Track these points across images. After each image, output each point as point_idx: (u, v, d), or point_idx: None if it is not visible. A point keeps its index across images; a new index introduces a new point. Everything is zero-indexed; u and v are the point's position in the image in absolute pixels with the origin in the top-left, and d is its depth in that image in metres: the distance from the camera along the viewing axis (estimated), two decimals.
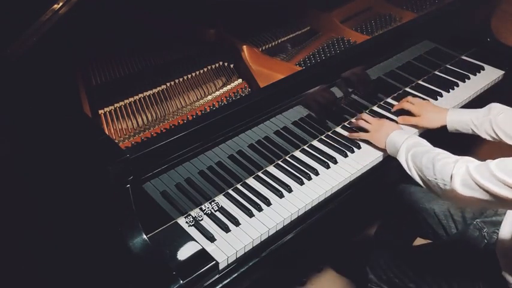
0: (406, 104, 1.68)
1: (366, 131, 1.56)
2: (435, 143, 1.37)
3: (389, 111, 1.74)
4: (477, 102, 1.89)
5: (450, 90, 1.89)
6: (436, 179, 1.21)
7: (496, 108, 1.48)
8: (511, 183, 1.03)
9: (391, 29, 1.85)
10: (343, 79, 1.58)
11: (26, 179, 1.47)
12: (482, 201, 1.11)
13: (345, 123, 1.68)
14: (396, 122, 1.66)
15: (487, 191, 1.08)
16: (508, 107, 1.48)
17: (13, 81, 1.31)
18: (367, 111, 1.74)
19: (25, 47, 1.23)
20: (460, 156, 1.21)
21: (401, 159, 1.37)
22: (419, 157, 1.30)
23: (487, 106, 1.52)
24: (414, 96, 1.84)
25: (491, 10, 2.14)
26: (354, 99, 1.69)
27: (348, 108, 1.68)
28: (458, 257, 1.38)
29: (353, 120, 1.66)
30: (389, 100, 1.82)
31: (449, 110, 1.59)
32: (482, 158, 1.15)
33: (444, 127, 1.59)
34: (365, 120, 1.58)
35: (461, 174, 1.13)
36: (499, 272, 1.28)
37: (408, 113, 1.67)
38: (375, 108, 1.77)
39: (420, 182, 1.31)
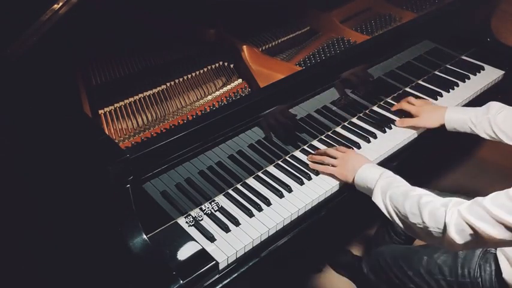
0: (405, 104, 1.67)
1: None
2: (435, 145, 1.36)
3: (389, 110, 1.74)
4: (477, 102, 1.89)
5: (450, 90, 1.89)
6: (427, 227, 1.11)
7: (494, 107, 1.48)
8: (510, 222, 0.97)
9: (391, 29, 1.85)
10: (343, 79, 1.58)
11: (26, 179, 1.47)
12: (482, 246, 1.07)
13: (345, 123, 1.68)
14: (395, 122, 1.66)
15: (484, 235, 1.01)
16: (507, 106, 1.48)
17: (13, 81, 1.31)
18: (367, 111, 1.74)
19: (25, 47, 1.23)
20: (447, 198, 1.12)
21: (378, 202, 1.26)
22: (400, 202, 1.18)
23: (485, 105, 1.51)
24: (414, 96, 1.84)
25: (491, 10, 2.15)
26: (354, 99, 1.69)
27: (348, 108, 1.68)
28: (458, 257, 1.38)
29: (314, 154, 1.50)
30: (389, 100, 1.82)
31: (448, 109, 1.58)
32: (479, 161, 1.13)
33: (443, 127, 1.58)
34: (329, 155, 1.44)
35: (455, 222, 1.05)
36: (500, 273, 1.28)
37: (407, 113, 1.67)
38: (375, 108, 1.77)
39: (401, 225, 1.20)
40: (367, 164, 1.36)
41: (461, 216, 1.04)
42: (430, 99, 1.82)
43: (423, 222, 1.12)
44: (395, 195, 1.21)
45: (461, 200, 1.10)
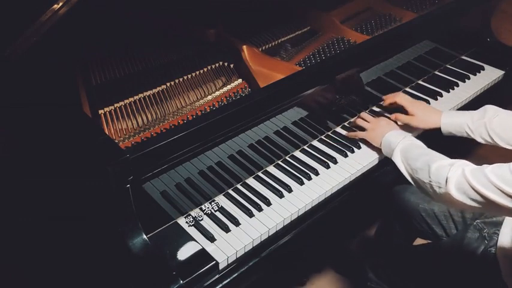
0: (400, 98, 1.62)
1: (364, 129, 1.56)
2: (432, 145, 1.36)
3: (389, 111, 1.74)
4: (477, 102, 1.89)
5: (450, 90, 1.89)
6: (430, 181, 1.20)
7: (490, 110, 1.46)
8: (506, 190, 1.03)
9: (391, 29, 1.85)
10: (343, 79, 1.58)
11: (26, 179, 1.47)
12: (476, 206, 1.10)
13: (345, 123, 1.68)
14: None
15: (481, 196, 1.07)
16: (503, 109, 1.46)
17: (13, 81, 1.31)
18: (367, 111, 1.74)
19: (25, 47, 1.23)
20: (456, 159, 1.20)
21: (397, 160, 1.37)
22: (414, 159, 1.29)
23: (481, 108, 1.49)
24: (414, 96, 1.84)
25: (491, 10, 2.14)
26: (354, 99, 1.69)
27: (348, 108, 1.68)
28: (458, 257, 1.38)
29: (352, 120, 1.66)
30: None
31: (444, 113, 1.55)
32: (479, 161, 1.14)
33: (439, 129, 1.56)
34: (363, 119, 1.58)
35: (457, 178, 1.12)
36: (499, 272, 1.28)
37: (403, 111, 1.62)
38: (375, 108, 1.77)
39: (413, 183, 1.30)
40: (395, 130, 1.49)
41: (463, 175, 1.11)
42: (430, 99, 1.82)
43: (429, 176, 1.20)
44: (412, 154, 1.31)
45: (468, 162, 1.16)
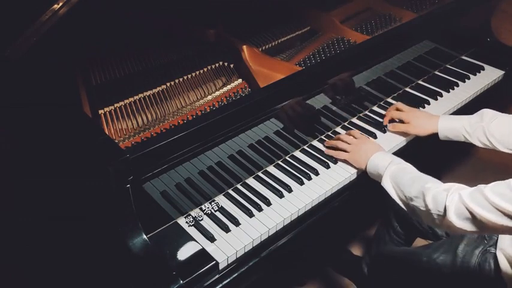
0: (394, 113, 1.63)
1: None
2: (430, 150, 1.35)
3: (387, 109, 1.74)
4: (477, 102, 1.89)
5: (450, 90, 1.89)
6: (429, 210, 1.16)
7: (488, 114, 1.46)
8: (506, 209, 1.01)
9: (391, 29, 1.85)
10: (343, 79, 1.58)
11: (26, 179, 1.47)
12: (477, 231, 1.09)
13: (345, 123, 1.68)
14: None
15: (481, 219, 1.05)
16: (500, 113, 1.47)
17: (13, 81, 1.31)
18: (367, 111, 1.74)
19: (25, 47, 1.23)
20: (450, 184, 1.17)
21: (387, 186, 1.31)
22: (407, 185, 1.25)
23: (478, 112, 1.50)
24: (414, 96, 1.84)
25: (491, 10, 2.15)
26: (354, 99, 1.69)
27: (348, 108, 1.68)
28: (457, 256, 1.38)
29: (330, 141, 1.55)
30: (389, 100, 1.82)
31: (440, 117, 1.55)
32: (480, 159, 1.14)
33: (435, 135, 1.56)
34: (343, 141, 1.50)
35: (455, 205, 1.10)
36: (499, 272, 1.28)
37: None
38: (375, 108, 1.77)
39: (407, 210, 1.27)
40: (379, 152, 1.42)
41: (461, 200, 1.09)
42: (430, 99, 1.82)
43: (426, 205, 1.17)
44: (403, 180, 1.27)
45: (463, 186, 1.14)
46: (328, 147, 1.53)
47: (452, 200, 1.10)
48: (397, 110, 1.65)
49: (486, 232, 1.09)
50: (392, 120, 1.66)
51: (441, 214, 1.13)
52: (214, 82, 1.57)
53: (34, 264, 1.59)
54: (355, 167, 1.47)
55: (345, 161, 1.49)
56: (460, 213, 1.09)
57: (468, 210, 1.07)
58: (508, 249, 1.26)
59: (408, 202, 1.24)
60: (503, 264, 1.27)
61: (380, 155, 1.40)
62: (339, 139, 1.52)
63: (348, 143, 1.49)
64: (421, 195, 1.18)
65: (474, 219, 1.07)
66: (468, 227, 1.09)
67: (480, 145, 1.49)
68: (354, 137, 1.51)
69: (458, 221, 1.10)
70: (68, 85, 1.42)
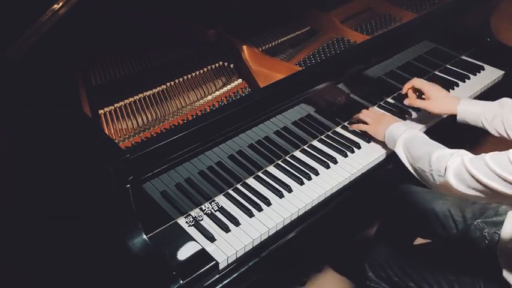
0: (417, 81, 1.59)
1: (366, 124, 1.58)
2: (440, 140, 1.35)
3: (389, 111, 1.74)
4: None
5: (450, 90, 1.88)
6: (431, 170, 1.21)
7: (507, 103, 1.44)
8: (507, 178, 1.04)
9: (391, 29, 1.85)
10: (343, 79, 1.58)
11: (26, 179, 1.47)
12: (475, 195, 1.12)
13: (345, 123, 1.68)
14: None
15: (481, 184, 1.08)
16: None
17: (13, 81, 1.31)
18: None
19: (25, 47, 1.23)
20: (457, 149, 1.21)
21: (399, 150, 1.38)
22: (416, 148, 1.31)
23: (498, 100, 1.47)
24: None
25: (491, 10, 2.14)
26: (354, 99, 1.69)
27: (348, 108, 1.68)
28: (459, 257, 1.38)
29: (356, 115, 1.66)
30: (389, 100, 1.82)
31: (462, 99, 1.53)
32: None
33: (451, 117, 1.54)
34: (367, 114, 1.60)
35: (455, 166, 1.14)
36: (500, 272, 1.28)
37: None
38: (375, 108, 1.77)
39: (413, 173, 1.32)
40: (398, 123, 1.51)
41: (463, 163, 1.12)
42: None
43: (430, 166, 1.21)
44: (414, 144, 1.34)
45: (468, 152, 1.17)
46: (351, 122, 1.65)
47: (454, 162, 1.14)
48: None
49: (483, 197, 1.10)
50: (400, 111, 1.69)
51: (441, 175, 1.17)
52: (214, 82, 1.57)
53: (34, 264, 1.59)
54: (356, 166, 1.48)
55: (345, 162, 1.50)
56: (459, 174, 1.13)
57: (468, 173, 1.10)
58: (509, 250, 1.26)
59: (414, 164, 1.29)
60: (505, 265, 1.26)
61: (398, 125, 1.48)
62: (362, 113, 1.62)
63: (371, 116, 1.59)
64: (427, 156, 1.23)
65: (473, 182, 1.10)
66: (465, 189, 1.13)
67: (496, 134, 1.46)
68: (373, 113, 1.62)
69: (455, 181, 1.14)
70: (68, 85, 1.42)
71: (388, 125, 1.49)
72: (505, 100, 1.46)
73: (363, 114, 1.61)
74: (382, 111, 1.74)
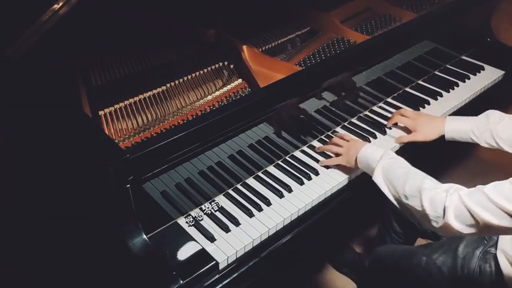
0: (399, 117, 1.62)
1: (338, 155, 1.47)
2: (430, 150, 1.34)
3: (389, 111, 1.74)
4: (477, 102, 1.89)
5: (450, 90, 1.89)
6: (425, 210, 1.12)
7: (493, 115, 1.46)
8: (506, 207, 0.99)
9: (391, 29, 1.85)
10: (343, 79, 1.58)
11: (26, 179, 1.47)
12: (474, 232, 1.06)
13: (345, 123, 1.68)
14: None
15: (479, 219, 1.02)
16: (506, 114, 1.46)
17: (13, 81, 1.31)
18: (367, 112, 1.74)
19: (25, 47, 1.23)
20: (449, 184, 1.13)
21: (378, 180, 1.27)
22: (400, 182, 1.20)
23: (484, 114, 1.49)
24: (414, 96, 1.84)
25: (491, 10, 2.14)
26: (354, 99, 1.69)
27: (348, 108, 1.68)
28: (458, 257, 1.38)
29: (321, 146, 1.55)
30: (389, 100, 1.82)
31: (447, 119, 1.54)
32: (480, 159, 1.14)
33: (441, 137, 1.55)
34: (335, 144, 1.49)
35: (455, 206, 1.06)
36: (500, 273, 1.28)
37: (403, 128, 1.63)
38: (375, 108, 1.77)
39: (399, 207, 1.23)
40: (370, 144, 1.41)
41: (461, 200, 1.05)
42: (430, 99, 1.82)
43: (422, 206, 1.13)
44: (397, 176, 1.22)
45: (462, 187, 1.11)
46: (320, 154, 1.52)
47: (452, 201, 1.07)
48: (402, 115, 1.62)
49: (485, 234, 1.07)
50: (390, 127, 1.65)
51: (440, 216, 1.09)
52: (214, 82, 1.57)
53: (34, 264, 1.59)
54: (351, 169, 1.45)
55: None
56: (460, 214, 1.05)
57: (468, 210, 1.04)
58: (509, 250, 1.26)
59: (402, 200, 1.19)
60: (504, 265, 1.27)
61: (370, 147, 1.38)
62: (330, 143, 1.51)
63: (340, 145, 1.47)
64: (418, 194, 1.14)
65: (474, 220, 1.04)
66: (467, 229, 1.06)
67: (486, 146, 1.48)
68: (344, 140, 1.49)
69: (457, 223, 1.06)
70: (68, 85, 1.42)
71: (358, 150, 1.38)
72: (491, 112, 1.48)
73: (332, 147, 1.49)
74: (382, 114, 1.73)
